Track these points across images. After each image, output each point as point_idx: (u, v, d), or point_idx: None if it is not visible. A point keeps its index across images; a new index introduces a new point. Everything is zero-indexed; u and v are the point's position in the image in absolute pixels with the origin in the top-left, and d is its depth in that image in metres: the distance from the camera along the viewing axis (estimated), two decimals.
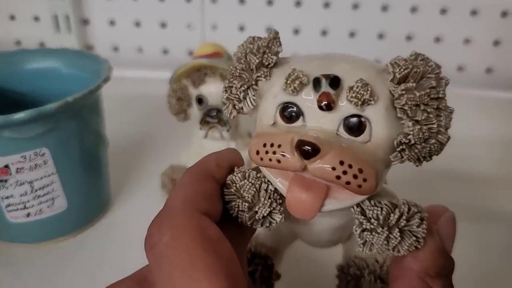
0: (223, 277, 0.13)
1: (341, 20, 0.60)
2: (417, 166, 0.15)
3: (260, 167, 0.16)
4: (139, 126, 0.49)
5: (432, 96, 0.14)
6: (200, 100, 0.33)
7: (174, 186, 0.16)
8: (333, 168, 0.14)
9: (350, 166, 0.14)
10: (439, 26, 0.59)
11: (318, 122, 0.15)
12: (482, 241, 0.33)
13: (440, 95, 0.14)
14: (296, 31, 0.61)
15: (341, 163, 0.14)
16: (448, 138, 0.14)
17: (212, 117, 0.32)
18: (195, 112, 0.34)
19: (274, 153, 0.14)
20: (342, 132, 0.14)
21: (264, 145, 0.15)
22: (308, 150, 0.14)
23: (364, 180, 0.14)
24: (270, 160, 0.14)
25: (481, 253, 0.32)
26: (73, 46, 0.65)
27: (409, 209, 0.15)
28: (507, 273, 0.30)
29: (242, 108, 0.17)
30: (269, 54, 0.16)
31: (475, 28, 0.59)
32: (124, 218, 0.36)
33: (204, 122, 0.33)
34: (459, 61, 0.62)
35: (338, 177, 0.14)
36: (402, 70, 0.14)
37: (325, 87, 0.14)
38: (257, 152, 0.15)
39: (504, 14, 0.58)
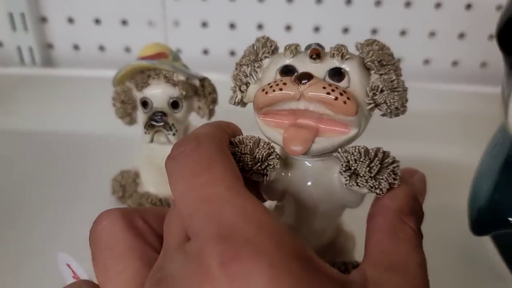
0: (236, 178, 0.15)
1: (305, 15, 0.59)
2: (386, 114, 0.19)
3: (258, 120, 0.19)
4: (93, 128, 0.47)
5: (391, 59, 0.19)
6: (144, 103, 0.32)
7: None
8: (324, 87, 0.17)
9: (336, 87, 0.18)
10: (403, 20, 0.58)
11: None
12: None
13: (396, 64, 0.19)
14: (260, 26, 0.60)
15: (330, 85, 0.18)
16: (406, 100, 0.19)
17: (157, 120, 0.31)
18: (141, 115, 0.32)
19: (277, 85, 0.18)
20: (328, 80, 0.19)
21: (269, 83, 0.18)
22: (304, 77, 0.18)
23: (348, 98, 0.17)
24: (274, 90, 0.18)
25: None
26: (31, 45, 0.62)
27: (384, 151, 0.18)
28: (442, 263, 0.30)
29: (246, 87, 0.20)
30: (271, 40, 0.21)
31: (439, 21, 0.58)
32: (71, 221, 0.35)
33: (148, 126, 0.31)
34: (425, 55, 0.61)
35: (328, 93, 0.17)
36: (367, 41, 0.19)
37: (314, 45, 0.19)
38: (263, 89, 0.18)
39: (468, 6, 0.57)
